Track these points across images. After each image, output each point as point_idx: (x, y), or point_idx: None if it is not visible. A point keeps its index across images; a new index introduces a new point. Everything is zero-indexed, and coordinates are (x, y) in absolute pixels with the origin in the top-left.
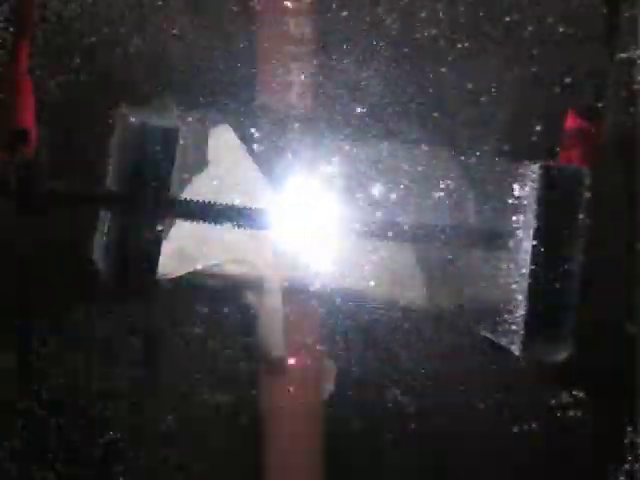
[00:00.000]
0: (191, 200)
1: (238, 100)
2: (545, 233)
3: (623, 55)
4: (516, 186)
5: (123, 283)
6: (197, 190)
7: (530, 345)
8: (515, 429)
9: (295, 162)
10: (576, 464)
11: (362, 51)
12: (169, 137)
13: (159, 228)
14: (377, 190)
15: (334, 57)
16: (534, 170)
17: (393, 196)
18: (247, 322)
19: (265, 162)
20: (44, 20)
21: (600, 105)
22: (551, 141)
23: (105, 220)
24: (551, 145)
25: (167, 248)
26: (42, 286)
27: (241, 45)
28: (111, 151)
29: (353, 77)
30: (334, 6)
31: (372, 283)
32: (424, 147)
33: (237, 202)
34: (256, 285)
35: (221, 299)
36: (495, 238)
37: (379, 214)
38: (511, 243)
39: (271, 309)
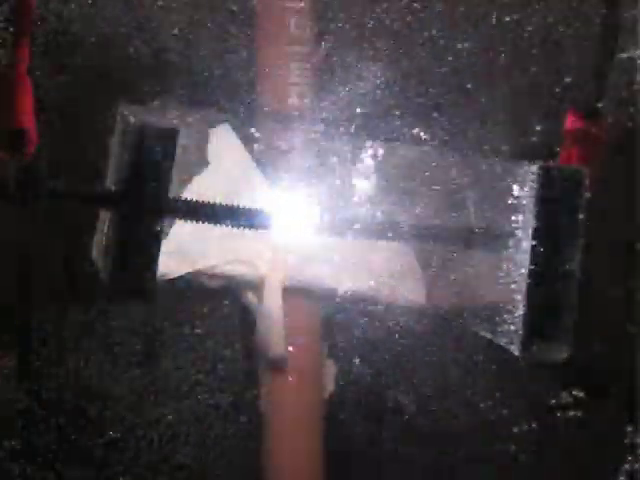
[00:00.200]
0: (191, 200)
1: (238, 100)
2: (544, 233)
3: (623, 55)
4: (516, 186)
5: (123, 283)
6: (197, 190)
7: (530, 345)
8: (515, 429)
9: (295, 162)
10: (576, 464)
11: (362, 50)
12: (169, 137)
13: (159, 228)
14: (377, 190)
15: (334, 57)
16: (534, 170)
17: (393, 196)
18: (247, 322)
19: (265, 162)
20: (44, 20)
21: (600, 105)
22: (551, 141)
23: (105, 220)
24: (551, 145)
25: (167, 248)
26: (42, 286)
27: (241, 45)
28: (111, 151)
29: (353, 77)
30: (334, 6)
31: (372, 283)
32: (424, 147)
33: (237, 202)
34: (256, 285)
35: (221, 299)
36: (495, 238)
37: (379, 214)
38: (511, 243)
39: (271, 309)
